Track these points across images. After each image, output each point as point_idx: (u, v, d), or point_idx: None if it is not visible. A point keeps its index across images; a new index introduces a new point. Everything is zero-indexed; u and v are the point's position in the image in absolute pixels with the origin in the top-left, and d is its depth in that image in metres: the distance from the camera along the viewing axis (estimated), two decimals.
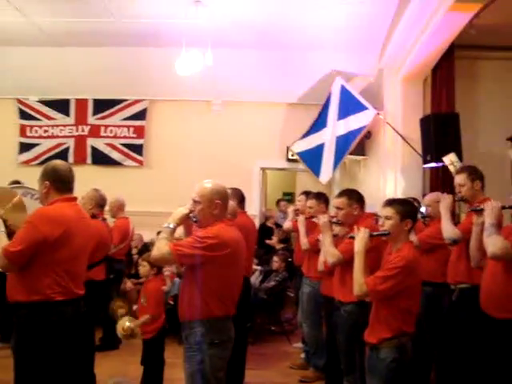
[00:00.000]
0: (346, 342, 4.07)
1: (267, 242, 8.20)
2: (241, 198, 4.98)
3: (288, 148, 8.65)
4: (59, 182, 3.31)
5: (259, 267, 7.33)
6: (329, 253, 4.15)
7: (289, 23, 7.05)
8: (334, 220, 4.26)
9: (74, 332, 3.23)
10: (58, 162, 3.48)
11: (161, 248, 3.07)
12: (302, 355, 5.98)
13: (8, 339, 6.17)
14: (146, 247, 7.60)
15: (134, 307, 5.04)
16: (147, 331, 4.67)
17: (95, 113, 9.27)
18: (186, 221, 3.27)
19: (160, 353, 4.71)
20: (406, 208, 3.36)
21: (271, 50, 7.93)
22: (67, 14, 7.07)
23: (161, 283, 5.32)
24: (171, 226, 3.16)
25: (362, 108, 7.20)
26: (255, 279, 7.05)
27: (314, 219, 4.95)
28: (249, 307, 5.12)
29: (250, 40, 7.65)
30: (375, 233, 3.40)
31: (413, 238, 4.02)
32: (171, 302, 6.23)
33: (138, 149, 9.24)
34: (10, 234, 3.24)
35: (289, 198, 10.93)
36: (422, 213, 4.85)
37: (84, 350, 3.52)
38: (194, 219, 3.20)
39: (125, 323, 4.72)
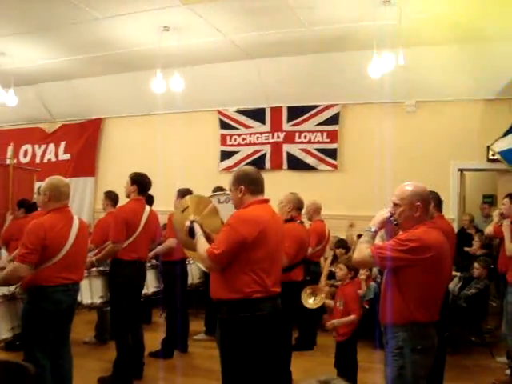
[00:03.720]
0: None
1: (466, 249, 7.73)
2: (437, 201, 4.82)
3: (488, 147, 8.13)
4: (253, 185, 3.50)
5: (458, 273, 6.97)
6: None
7: (484, 13, 6.57)
8: None
9: (272, 328, 3.41)
10: (247, 167, 3.74)
11: (362, 251, 3.11)
12: (508, 371, 5.55)
13: (213, 333, 6.68)
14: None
15: (327, 301, 5.15)
16: (342, 333, 4.72)
17: (289, 120, 9.61)
18: (387, 224, 3.23)
19: (353, 355, 4.73)
20: None
21: (465, 44, 7.56)
22: (259, 28, 7.48)
23: (357, 287, 5.34)
24: (372, 229, 3.18)
25: None
26: (454, 286, 6.74)
27: None
28: (447, 315, 4.90)
29: (443, 35, 7.35)
30: None
31: None
32: (366, 306, 6.20)
33: (331, 153, 9.37)
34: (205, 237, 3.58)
35: (490, 200, 10.21)
36: None
37: (282, 347, 3.68)
38: (395, 222, 3.16)
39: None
